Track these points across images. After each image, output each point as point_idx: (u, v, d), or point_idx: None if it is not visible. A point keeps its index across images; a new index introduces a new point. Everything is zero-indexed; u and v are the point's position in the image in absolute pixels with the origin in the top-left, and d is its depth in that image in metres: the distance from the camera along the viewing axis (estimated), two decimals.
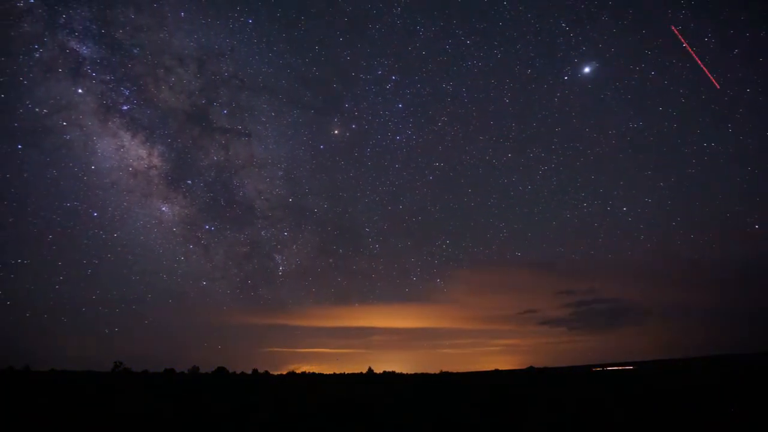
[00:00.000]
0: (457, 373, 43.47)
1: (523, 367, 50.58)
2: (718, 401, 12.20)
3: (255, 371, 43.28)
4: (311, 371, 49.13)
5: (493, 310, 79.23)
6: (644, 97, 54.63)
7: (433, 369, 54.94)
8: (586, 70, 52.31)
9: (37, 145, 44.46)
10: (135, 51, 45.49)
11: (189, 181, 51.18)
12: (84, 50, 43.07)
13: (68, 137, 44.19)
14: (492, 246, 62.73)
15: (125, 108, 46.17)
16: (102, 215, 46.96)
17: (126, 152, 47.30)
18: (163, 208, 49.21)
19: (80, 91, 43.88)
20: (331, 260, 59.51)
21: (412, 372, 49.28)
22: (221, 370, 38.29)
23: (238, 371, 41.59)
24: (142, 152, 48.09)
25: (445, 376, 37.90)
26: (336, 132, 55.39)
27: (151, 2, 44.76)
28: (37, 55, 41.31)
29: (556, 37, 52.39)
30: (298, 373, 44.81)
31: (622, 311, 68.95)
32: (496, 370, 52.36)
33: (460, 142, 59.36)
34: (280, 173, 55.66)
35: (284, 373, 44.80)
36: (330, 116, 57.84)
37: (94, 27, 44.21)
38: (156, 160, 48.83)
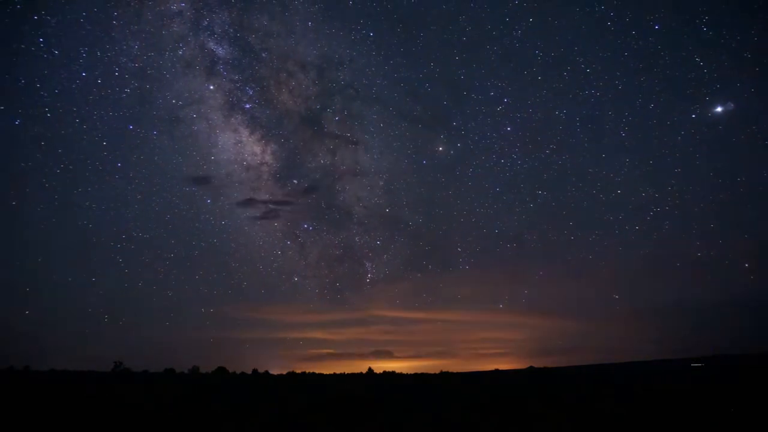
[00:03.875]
0: (457, 373, 43.52)
1: (523, 367, 50.70)
2: (718, 401, 12.20)
3: (255, 371, 43.26)
4: (311, 371, 49.17)
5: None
6: None
7: (434, 369, 54.95)
8: (719, 109, 47.01)
9: (170, 132, 50.87)
10: (263, 55, 50.22)
11: (295, 181, 55.39)
12: (219, 51, 48.11)
13: (195, 128, 50.00)
14: (590, 285, 59.64)
15: (247, 106, 50.81)
16: (214, 202, 51.94)
17: (243, 147, 52.12)
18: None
19: (211, 87, 48.97)
20: (419, 275, 60.22)
21: (412, 372, 49.36)
22: (221, 370, 38.33)
23: (238, 371, 41.63)
24: (257, 149, 52.81)
25: (445, 376, 37.91)
26: (440, 148, 56.03)
27: (284, 11, 49.51)
28: (180, 53, 47.11)
29: (687, 72, 48.06)
30: (298, 373, 44.81)
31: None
32: (496, 370, 52.37)
33: (567, 172, 56.28)
34: (381, 183, 57.88)
35: (284, 373, 44.81)
36: (436, 132, 58.61)
37: (232, 30, 50.14)
38: (268, 158, 53.34)
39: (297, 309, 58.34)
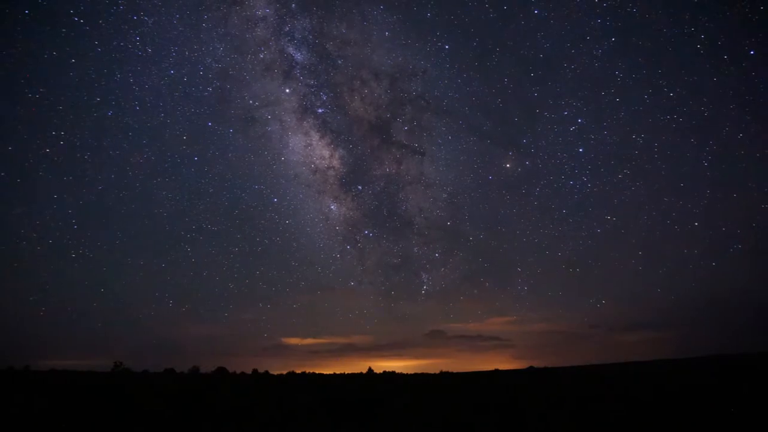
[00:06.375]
0: (458, 373, 43.52)
1: (523, 367, 50.69)
2: (718, 401, 12.20)
3: (255, 371, 43.26)
4: (311, 371, 49.17)
5: None
6: None
7: (433, 369, 54.81)
8: None
9: (245, 131, 53.26)
10: (339, 62, 51.13)
11: (359, 187, 55.36)
12: (298, 56, 49.53)
13: (269, 129, 51.82)
14: (656, 317, 57.10)
15: (320, 111, 51.88)
16: (280, 202, 53.26)
17: (312, 150, 52.86)
18: (332, 207, 53.73)
19: (287, 90, 50.57)
20: (475, 291, 58.67)
21: (412, 372, 49.34)
22: (221, 370, 38.34)
23: (239, 371, 41.62)
24: (326, 153, 53.15)
25: (445, 376, 37.92)
26: (508, 165, 54.08)
27: (362, 20, 50.39)
28: (261, 56, 48.93)
29: None
30: (298, 373, 44.80)
31: None
32: (496, 370, 52.37)
33: (640, 199, 52.50)
34: (444, 196, 56.66)
35: (284, 373, 44.80)
36: (505, 149, 56.59)
37: (311, 37, 51.05)
38: (335, 162, 53.55)
39: (350, 313, 58.62)
